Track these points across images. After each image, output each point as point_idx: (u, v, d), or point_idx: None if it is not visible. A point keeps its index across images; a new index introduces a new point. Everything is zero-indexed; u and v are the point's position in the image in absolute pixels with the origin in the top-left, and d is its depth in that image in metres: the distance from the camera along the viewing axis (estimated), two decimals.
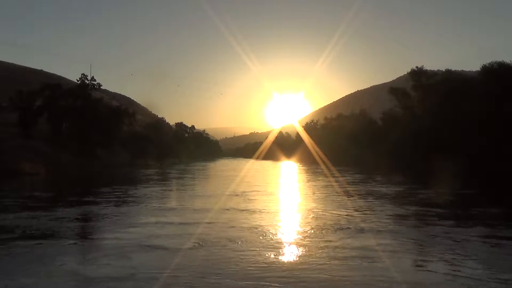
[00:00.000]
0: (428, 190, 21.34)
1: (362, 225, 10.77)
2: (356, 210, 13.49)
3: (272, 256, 7.69)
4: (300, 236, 9.48)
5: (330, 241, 8.86)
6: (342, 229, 10.21)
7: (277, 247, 8.41)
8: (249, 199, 16.68)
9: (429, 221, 11.49)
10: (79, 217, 12.61)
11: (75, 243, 9.09)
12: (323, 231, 9.92)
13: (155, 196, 18.66)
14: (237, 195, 18.37)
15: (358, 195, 18.40)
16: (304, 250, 8.13)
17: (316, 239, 9.09)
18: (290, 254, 7.90)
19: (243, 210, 13.50)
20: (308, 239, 9.08)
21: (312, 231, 9.95)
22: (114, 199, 16.96)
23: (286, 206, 15.45)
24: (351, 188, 21.52)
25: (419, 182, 26.73)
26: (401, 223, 11.41)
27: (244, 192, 19.74)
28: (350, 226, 10.56)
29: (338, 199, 16.89)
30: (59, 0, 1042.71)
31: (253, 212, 13.18)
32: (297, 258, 7.57)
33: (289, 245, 8.56)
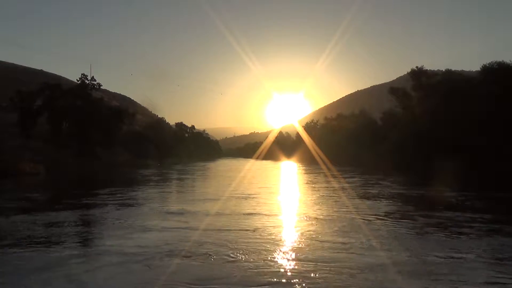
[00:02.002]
0: (453, 192, 19.60)
1: (423, 234, 9.76)
2: (397, 217, 12.35)
3: (340, 275, 6.61)
4: (362, 250, 8.19)
5: (413, 254, 7.72)
6: (411, 239, 9.21)
7: (337, 261, 7.31)
8: (263, 203, 15.87)
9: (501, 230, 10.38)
10: (83, 221, 12.11)
11: (85, 250, 8.49)
12: (389, 242, 8.82)
13: (160, 198, 18.11)
14: (246, 198, 17.64)
15: (382, 198, 17.26)
16: (380, 269, 6.96)
17: (389, 252, 7.95)
18: (359, 272, 6.76)
19: (266, 215, 12.63)
20: (375, 254, 7.93)
21: (372, 243, 8.75)
22: (117, 201, 16.50)
23: (312, 212, 13.59)
24: (369, 191, 20.43)
25: (433, 183, 24.92)
26: (473, 233, 9.91)
27: (253, 194, 18.96)
28: (413, 236, 9.59)
29: (366, 203, 15.65)
30: (59, 0, 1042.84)
31: (279, 218, 12.31)
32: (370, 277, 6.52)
33: (355, 261, 7.43)
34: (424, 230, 10.37)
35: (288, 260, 7.54)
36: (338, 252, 8.05)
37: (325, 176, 33.59)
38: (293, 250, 8.27)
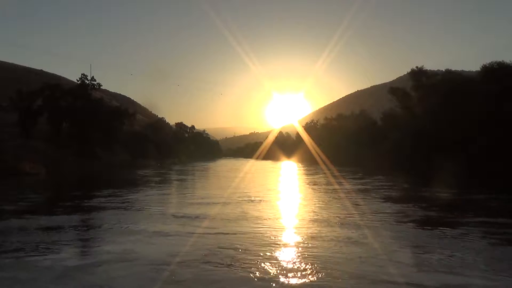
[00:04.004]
0: (476, 195, 18.74)
1: (498, 246, 8.74)
2: (442, 223, 11.18)
3: None
4: (446, 268, 7.12)
5: None
6: (493, 253, 8.18)
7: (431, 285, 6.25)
8: (276, 206, 15.32)
9: None
10: (86, 225, 11.55)
11: (94, 259, 7.80)
12: (468, 257, 7.75)
13: (161, 201, 17.63)
14: (258, 201, 16.84)
15: (408, 201, 16.04)
16: None
17: (486, 273, 6.87)
18: None
19: (291, 219, 11.85)
20: (473, 275, 6.78)
21: (452, 259, 7.68)
22: (119, 203, 15.96)
23: (344, 217, 12.17)
24: (387, 193, 19.45)
25: (454, 185, 23.12)
26: None
27: (262, 198, 17.99)
28: (491, 248, 8.56)
29: (394, 207, 14.36)
30: (59, 0, 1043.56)
31: (314, 224, 11.14)
32: None
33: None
34: (493, 241, 9.20)
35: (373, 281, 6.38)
36: (421, 271, 6.85)
37: (330, 177, 32.88)
38: (363, 266, 7.12)
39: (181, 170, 48.41)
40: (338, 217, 12.37)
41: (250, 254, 7.96)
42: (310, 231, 10.28)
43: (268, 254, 7.95)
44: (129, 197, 18.78)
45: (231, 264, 7.26)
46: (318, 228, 10.60)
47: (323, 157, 53.41)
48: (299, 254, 8.00)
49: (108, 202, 16.33)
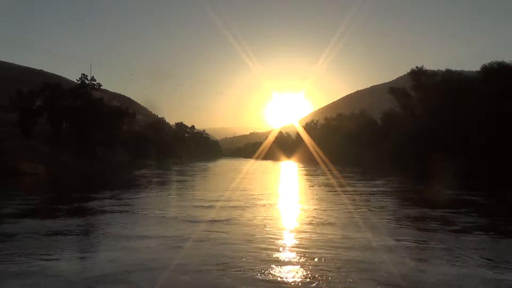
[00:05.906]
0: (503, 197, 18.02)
1: None
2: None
3: None
4: None
5: None
6: None
7: None
8: (293, 212, 14.36)
9: None
10: (89, 230, 11.00)
11: (102, 269, 7.17)
12: None
13: (164, 203, 17.11)
14: (269, 205, 15.93)
15: (445, 206, 14.86)
16: None
17: None
18: None
19: (318, 225, 10.90)
20: None
21: None
22: (121, 206, 15.47)
23: (379, 224, 11.08)
24: (415, 197, 18.70)
25: (471, 186, 22.14)
26: None
27: (273, 203, 16.94)
28: None
29: (443, 214, 13.09)
30: (59, 0, 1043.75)
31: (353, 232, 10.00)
32: None
33: None
34: None
35: None
36: None
37: (334, 178, 31.85)
38: None
39: (181, 171, 48.37)
40: (376, 224, 11.25)
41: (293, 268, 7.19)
42: (358, 241, 9.14)
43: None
44: (131, 198, 18.48)
45: (265, 274, 6.77)
46: (364, 237, 9.46)
47: (323, 157, 53.49)
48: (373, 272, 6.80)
49: (112, 205, 15.92)
